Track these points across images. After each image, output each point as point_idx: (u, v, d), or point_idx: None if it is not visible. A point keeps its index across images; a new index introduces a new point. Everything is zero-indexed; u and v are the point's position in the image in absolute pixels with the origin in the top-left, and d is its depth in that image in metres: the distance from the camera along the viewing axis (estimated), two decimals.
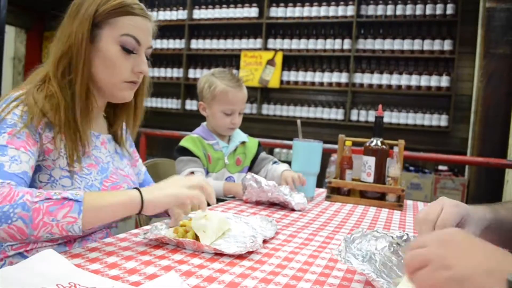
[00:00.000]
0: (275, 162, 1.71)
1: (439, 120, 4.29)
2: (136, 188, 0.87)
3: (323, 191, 1.78)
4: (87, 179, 0.99)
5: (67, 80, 0.97)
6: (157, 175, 1.72)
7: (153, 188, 0.88)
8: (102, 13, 0.97)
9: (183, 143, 1.62)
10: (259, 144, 1.80)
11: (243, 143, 1.73)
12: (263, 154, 1.76)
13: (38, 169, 0.94)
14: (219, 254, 0.84)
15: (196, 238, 0.89)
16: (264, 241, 0.94)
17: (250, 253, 0.85)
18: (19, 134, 0.88)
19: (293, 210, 1.35)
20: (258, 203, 1.42)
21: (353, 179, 1.65)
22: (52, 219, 0.76)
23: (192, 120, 5.35)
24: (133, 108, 1.15)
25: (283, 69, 4.92)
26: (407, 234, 0.86)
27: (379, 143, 1.56)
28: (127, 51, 0.99)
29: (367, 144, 1.58)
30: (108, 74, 1.00)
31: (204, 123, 1.73)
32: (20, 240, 0.77)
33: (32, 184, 0.94)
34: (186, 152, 1.59)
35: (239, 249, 0.84)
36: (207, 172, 1.62)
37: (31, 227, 0.75)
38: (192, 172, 1.53)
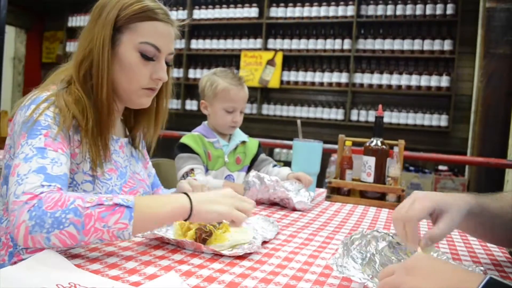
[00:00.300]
0: (275, 165, 1.72)
1: (439, 120, 4.29)
2: (185, 193, 0.85)
3: (323, 191, 1.78)
4: (108, 184, 0.99)
5: (89, 84, 0.96)
6: (159, 175, 1.72)
7: (204, 199, 0.85)
8: (124, 17, 0.95)
9: (183, 140, 1.63)
10: (260, 145, 1.81)
11: (244, 142, 1.74)
12: (263, 156, 1.77)
13: None
14: (219, 254, 0.84)
15: (196, 239, 0.89)
16: (264, 242, 0.94)
17: (250, 253, 0.85)
18: (55, 136, 0.87)
19: (294, 209, 1.35)
20: (258, 203, 1.42)
21: (353, 179, 1.65)
22: (103, 225, 0.75)
23: (192, 120, 5.35)
24: (154, 112, 1.13)
25: (283, 69, 4.93)
26: None
27: (379, 143, 1.56)
28: (147, 58, 0.98)
29: (367, 144, 1.58)
30: (126, 80, 0.98)
31: (205, 122, 1.73)
32: (69, 246, 0.75)
33: None
34: (186, 149, 1.60)
35: (238, 250, 0.84)
36: (207, 170, 1.62)
37: (83, 233, 0.74)
38: (192, 169, 1.53)
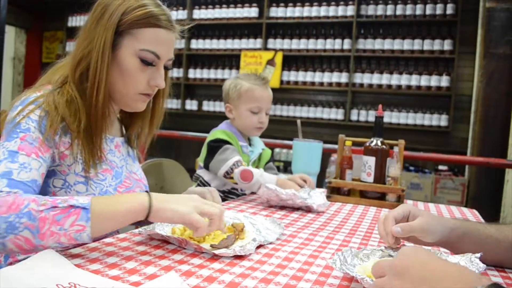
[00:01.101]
0: (276, 174, 1.73)
1: (439, 120, 4.29)
2: (147, 191, 0.84)
3: (323, 191, 1.78)
4: (102, 185, 0.98)
5: (85, 85, 0.95)
6: (162, 175, 1.72)
7: (165, 198, 0.83)
8: (126, 22, 0.94)
9: (221, 135, 1.58)
10: (272, 154, 1.82)
11: (263, 149, 1.76)
12: (271, 164, 1.79)
13: (52, 174, 0.92)
14: (218, 254, 0.84)
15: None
16: (261, 245, 0.94)
17: (250, 253, 0.85)
18: (32, 140, 0.85)
19: (304, 209, 1.35)
20: (261, 203, 1.41)
21: (353, 179, 1.65)
22: (59, 228, 0.73)
23: (192, 120, 5.37)
24: (149, 113, 1.12)
25: (283, 69, 4.92)
26: None
27: (379, 143, 1.56)
28: (146, 63, 0.97)
29: (367, 144, 1.58)
30: (124, 84, 0.98)
31: (227, 121, 1.70)
32: (27, 250, 0.74)
33: (46, 189, 0.92)
34: (227, 142, 1.57)
35: (228, 251, 0.83)
36: None
37: (38, 237, 0.72)
38: (240, 161, 1.50)
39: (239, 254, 0.83)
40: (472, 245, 0.85)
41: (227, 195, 1.61)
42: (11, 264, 0.91)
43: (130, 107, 1.04)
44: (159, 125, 1.16)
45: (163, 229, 0.93)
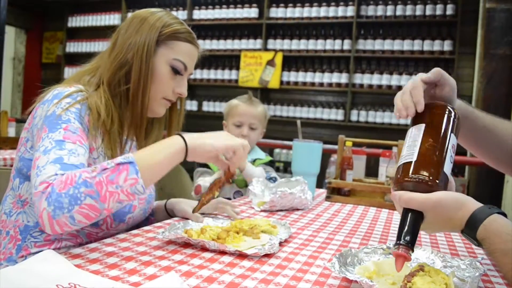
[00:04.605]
0: (270, 178, 1.74)
1: None
2: (179, 134, 0.93)
3: (323, 192, 1.78)
4: None
5: (118, 90, 1.02)
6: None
7: (197, 136, 0.94)
8: (165, 34, 1.04)
9: None
10: (272, 155, 1.85)
11: (255, 160, 1.79)
12: (263, 166, 1.82)
13: None
14: (219, 254, 0.84)
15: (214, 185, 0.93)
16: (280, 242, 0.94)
17: (253, 253, 0.85)
18: (74, 129, 0.91)
19: (297, 209, 1.35)
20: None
21: (353, 180, 1.65)
22: (115, 186, 0.79)
23: (192, 120, 5.36)
24: (165, 119, 1.20)
25: (283, 70, 4.92)
26: None
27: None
28: (176, 72, 1.06)
29: None
30: (153, 89, 1.05)
31: None
32: (94, 219, 0.79)
33: None
34: (204, 165, 1.72)
35: (259, 250, 0.85)
36: None
37: (100, 200, 0.77)
38: (199, 185, 1.65)
39: (268, 252, 0.85)
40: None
41: None
42: (22, 257, 0.93)
43: (152, 112, 1.09)
44: (179, 129, 1.22)
45: (177, 232, 0.94)
